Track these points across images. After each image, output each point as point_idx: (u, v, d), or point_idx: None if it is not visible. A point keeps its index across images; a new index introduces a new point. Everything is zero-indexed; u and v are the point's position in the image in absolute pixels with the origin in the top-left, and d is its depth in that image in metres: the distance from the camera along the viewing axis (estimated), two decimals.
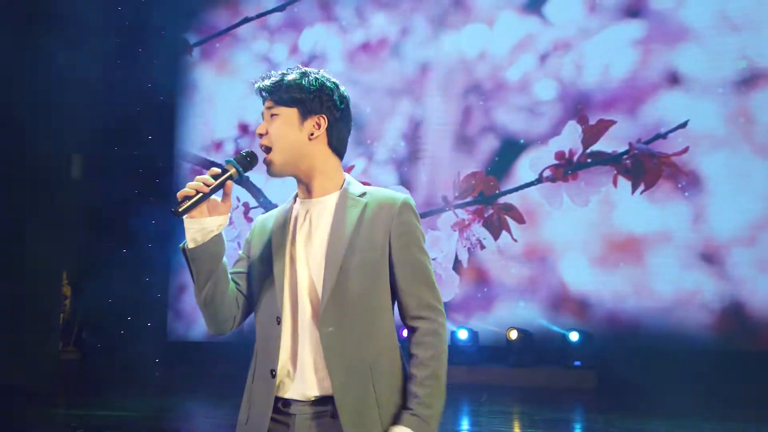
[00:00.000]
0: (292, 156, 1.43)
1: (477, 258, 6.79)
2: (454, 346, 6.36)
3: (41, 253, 6.26)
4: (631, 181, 6.41)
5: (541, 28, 6.83)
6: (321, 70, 1.51)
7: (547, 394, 5.78)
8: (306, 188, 1.48)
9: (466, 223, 6.85)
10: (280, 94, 1.42)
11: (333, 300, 1.37)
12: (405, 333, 1.66)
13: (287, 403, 1.40)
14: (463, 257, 6.82)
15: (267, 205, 7.50)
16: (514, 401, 5.74)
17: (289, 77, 1.44)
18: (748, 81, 6.15)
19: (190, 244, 1.36)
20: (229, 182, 1.37)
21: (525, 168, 6.72)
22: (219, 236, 1.39)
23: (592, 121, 6.55)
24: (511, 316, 6.53)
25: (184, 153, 8.09)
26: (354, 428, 1.33)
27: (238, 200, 7.64)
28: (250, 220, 7.60)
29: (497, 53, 6.94)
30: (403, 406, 1.38)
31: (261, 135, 1.42)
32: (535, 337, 6.36)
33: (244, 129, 7.81)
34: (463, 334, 6.47)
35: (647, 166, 6.37)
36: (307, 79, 1.46)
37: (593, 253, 6.43)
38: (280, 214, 1.51)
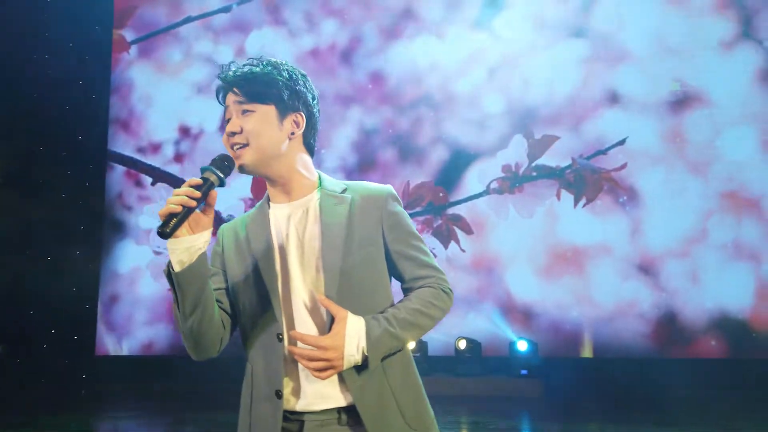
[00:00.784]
0: (269, 156, 1.33)
1: None
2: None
3: None
4: (573, 195, 6.63)
5: (490, 43, 6.98)
6: (286, 61, 1.40)
7: (494, 402, 5.84)
8: (283, 190, 1.37)
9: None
10: (253, 88, 1.32)
11: (342, 301, 1.29)
12: None
13: (294, 412, 1.32)
14: None
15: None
16: (462, 411, 5.75)
17: (261, 70, 1.33)
18: (682, 102, 6.52)
19: (177, 267, 1.21)
20: (213, 191, 1.23)
21: (473, 179, 6.81)
22: (205, 254, 1.26)
23: (538, 136, 6.73)
24: (460, 325, 6.56)
25: (117, 155, 7.66)
26: (375, 426, 1.27)
27: None
28: None
29: (447, 66, 7.02)
30: (417, 392, 1.35)
31: (234, 133, 1.29)
32: (483, 347, 6.42)
33: (185, 132, 7.49)
34: (411, 345, 6.43)
35: (588, 180, 6.60)
36: (281, 73, 1.35)
37: (538, 264, 6.58)
38: (253, 221, 1.38)
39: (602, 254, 6.49)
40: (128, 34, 7.71)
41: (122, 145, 7.63)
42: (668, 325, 6.26)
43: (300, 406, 1.30)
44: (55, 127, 7.07)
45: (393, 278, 1.41)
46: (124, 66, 7.71)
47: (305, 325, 1.30)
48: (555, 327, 6.45)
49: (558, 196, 6.63)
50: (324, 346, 1.23)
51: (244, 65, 1.34)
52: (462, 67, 7.01)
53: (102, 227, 7.49)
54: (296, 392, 1.31)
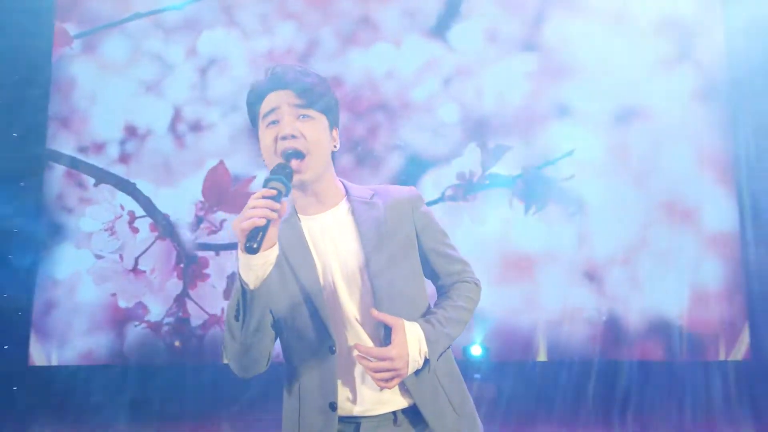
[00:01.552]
0: (323, 167, 1.36)
1: None
2: None
3: None
4: (524, 204, 6.83)
5: (444, 52, 7.11)
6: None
7: None
8: (316, 200, 1.39)
9: None
10: (313, 96, 1.35)
11: (390, 313, 1.33)
12: None
13: (350, 417, 1.37)
14: None
15: (155, 214, 6.96)
16: None
17: (315, 79, 1.38)
18: (625, 117, 6.86)
19: (254, 284, 1.19)
20: (284, 203, 1.24)
21: (428, 186, 6.90)
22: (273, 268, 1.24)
23: (491, 145, 6.91)
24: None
25: (56, 154, 7.27)
26: (438, 423, 1.33)
27: (122, 208, 7.02)
28: (135, 230, 7.00)
29: (403, 73, 7.10)
30: (461, 384, 1.43)
31: (292, 136, 1.26)
32: None
33: (131, 131, 7.21)
34: None
35: (538, 190, 6.83)
36: (329, 87, 1.39)
37: (491, 270, 6.73)
38: (285, 235, 1.38)
39: (551, 261, 6.71)
40: (71, 28, 7.36)
41: (63, 143, 7.25)
42: (613, 328, 6.55)
43: (357, 412, 1.34)
44: None
45: (426, 275, 1.44)
46: (66, 61, 7.35)
47: (357, 335, 1.34)
48: (507, 331, 6.62)
49: (510, 205, 6.82)
50: (391, 357, 1.24)
51: (300, 69, 1.38)
52: (418, 75, 7.11)
53: (39, 230, 7.08)
54: (353, 401, 1.34)
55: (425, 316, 1.33)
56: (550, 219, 6.79)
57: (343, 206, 1.40)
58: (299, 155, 1.30)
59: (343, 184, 1.42)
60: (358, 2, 7.20)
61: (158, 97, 7.24)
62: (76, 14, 7.40)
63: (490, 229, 6.79)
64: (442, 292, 1.41)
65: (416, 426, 1.34)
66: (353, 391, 1.33)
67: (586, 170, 6.82)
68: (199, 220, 7.01)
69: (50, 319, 6.99)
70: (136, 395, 6.29)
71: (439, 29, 7.13)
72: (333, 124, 1.37)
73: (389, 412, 1.33)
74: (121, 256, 6.93)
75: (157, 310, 6.93)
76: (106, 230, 6.98)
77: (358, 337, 1.33)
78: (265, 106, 1.35)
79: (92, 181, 7.15)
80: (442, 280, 1.41)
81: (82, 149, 7.24)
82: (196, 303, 6.95)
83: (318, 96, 1.35)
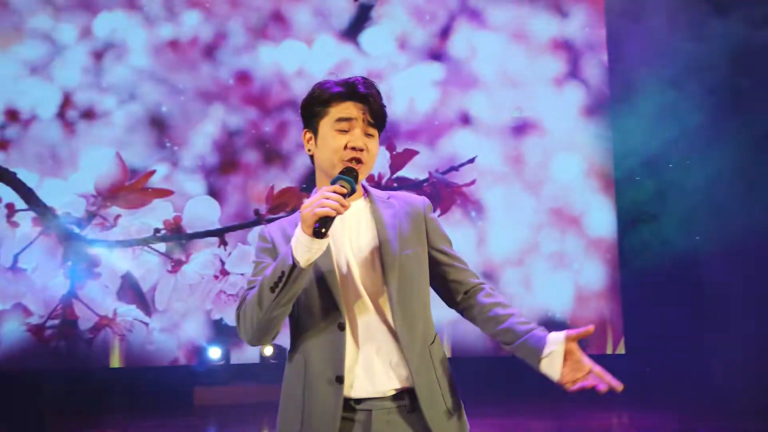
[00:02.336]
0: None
1: None
2: (262, 364, 6.27)
3: None
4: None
5: (356, 55, 7.20)
6: None
7: None
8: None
9: None
10: (381, 119, 1.52)
11: (400, 296, 1.42)
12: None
13: (359, 401, 1.40)
14: None
15: (38, 206, 6.38)
16: (272, 419, 5.81)
17: (383, 104, 1.52)
18: (521, 128, 7.36)
19: (305, 264, 1.29)
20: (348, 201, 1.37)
21: None
22: None
23: (399, 149, 7.10)
24: None
25: None
26: (429, 409, 1.40)
27: (0, 200, 6.37)
28: (15, 225, 6.37)
29: (315, 73, 7.09)
30: (452, 376, 1.52)
31: (361, 149, 1.43)
32: None
33: (12, 116, 6.57)
34: (268, 351, 6.36)
35: (443, 194, 7.13)
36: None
37: None
38: None
39: None
40: None
41: None
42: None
43: (363, 391, 1.39)
44: None
45: (436, 276, 1.53)
46: None
47: (366, 314, 1.41)
48: None
49: None
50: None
51: (375, 89, 1.50)
52: (328, 76, 7.11)
53: None
54: (358, 378, 1.39)
55: (522, 329, 1.52)
56: (453, 222, 7.10)
57: (362, 202, 1.53)
58: (360, 163, 1.46)
59: (363, 185, 1.58)
60: None
61: (45, 80, 6.64)
62: None
63: None
64: (457, 289, 1.53)
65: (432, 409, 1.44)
66: (360, 367, 1.40)
67: (487, 177, 7.22)
68: (90, 216, 6.52)
69: None
70: (11, 405, 5.73)
71: (351, 32, 7.21)
72: (379, 141, 1.58)
73: (399, 395, 1.41)
74: None
75: (39, 312, 6.36)
76: None
77: (367, 317, 1.41)
78: (342, 112, 1.47)
79: None
80: (455, 277, 1.53)
81: None
82: (85, 304, 6.46)
83: (383, 119, 1.53)
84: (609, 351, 7.23)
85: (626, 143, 7.30)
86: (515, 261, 7.14)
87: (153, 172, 6.66)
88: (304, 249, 1.27)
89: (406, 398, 1.41)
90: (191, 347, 6.57)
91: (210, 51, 6.96)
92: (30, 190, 6.41)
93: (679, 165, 6.92)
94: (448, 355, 6.82)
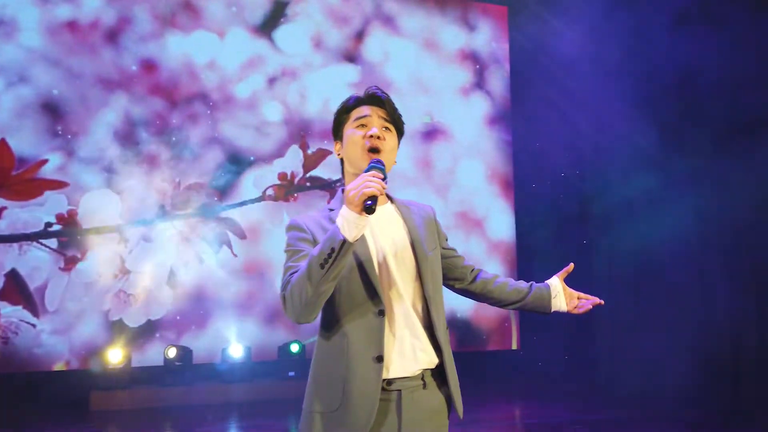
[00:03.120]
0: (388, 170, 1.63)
1: (194, 272, 6.49)
2: (166, 367, 5.99)
3: None
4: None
5: (270, 51, 7.10)
6: None
7: (266, 405, 5.89)
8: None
9: (185, 235, 6.49)
10: (395, 115, 1.69)
11: (433, 289, 1.64)
12: None
13: (390, 381, 1.56)
14: (179, 271, 6.43)
15: None
16: (232, 416, 5.67)
17: (398, 110, 1.72)
18: (430, 134, 7.61)
19: (353, 239, 1.42)
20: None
21: (249, 185, 6.80)
22: None
23: (312, 149, 7.08)
24: (230, 330, 6.43)
25: None
26: (453, 385, 1.65)
27: None
28: None
29: (226, 66, 6.90)
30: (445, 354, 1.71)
31: (379, 137, 1.61)
32: (253, 351, 6.41)
33: None
34: (172, 353, 6.08)
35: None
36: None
37: None
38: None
39: None
40: None
41: None
42: (449, 325, 7.15)
43: (396, 371, 1.56)
44: None
45: (446, 267, 1.82)
46: None
47: (400, 303, 1.60)
48: None
49: None
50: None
51: (390, 98, 1.73)
52: (241, 70, 6.96)
53: None
54: (393, 359, 1.57)
55: (523, 288, 1.87)
56: None
57: (390, 206, 1.72)
58: (378, 151, 1.62)
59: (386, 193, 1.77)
60: None
61: None
62: None
63: None
64: (462, 273, 1.84)
65: (440, 388, 1.64)
66: (395, 350, 1.56)
67: (398, 179, 7.38)
68: None
69: None
70: None
71: (265, 27, 7.09)
72: (398, 143, 1.71)
73: (419, 377, 1.58)
74: None
75: None
76: None
77: (401, 305, 1.58)
78: (360, 112, 1.68)
79: None
80: (460, 266, 1.84)
81: None
82: None
83: (398, 120, 1.71)
84: (505, 347, 7.65)
85: (525, 152, 7.79)
86: None
87: (45, 161, 6.15)
88: (351, 226, 1.40)
89: (423, 377, 1.59)
90: (85, 350, 6.12)
91: (113, 36, 6.56)
92: None
93: (572, 173, 7.49)
94: None
